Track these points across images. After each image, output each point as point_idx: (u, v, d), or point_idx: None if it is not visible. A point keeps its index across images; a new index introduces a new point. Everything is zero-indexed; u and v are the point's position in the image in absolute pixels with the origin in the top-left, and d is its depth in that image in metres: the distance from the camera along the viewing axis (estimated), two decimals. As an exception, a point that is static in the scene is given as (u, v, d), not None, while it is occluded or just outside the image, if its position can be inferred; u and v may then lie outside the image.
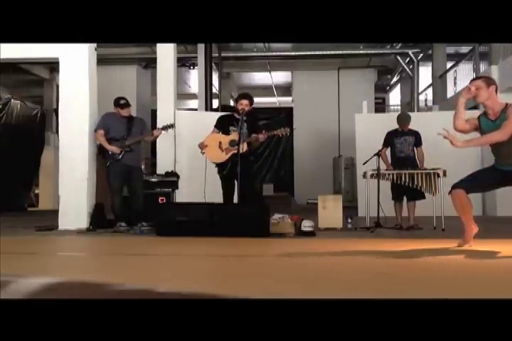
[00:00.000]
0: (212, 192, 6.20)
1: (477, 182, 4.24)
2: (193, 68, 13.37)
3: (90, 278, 0.72)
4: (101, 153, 6.54)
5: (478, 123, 4.22)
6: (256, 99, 6.44)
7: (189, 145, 7.61)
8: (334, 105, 14.96)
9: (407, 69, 13.53)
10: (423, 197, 6.37)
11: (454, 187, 4.22)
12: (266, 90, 17.92)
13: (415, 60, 13.20)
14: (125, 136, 6.41)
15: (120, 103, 6.49)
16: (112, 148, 6.33)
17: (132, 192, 6.54)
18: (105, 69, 11.12)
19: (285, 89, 17.97)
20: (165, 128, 6.61)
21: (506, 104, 4.10)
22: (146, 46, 12.82)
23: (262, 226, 5.35)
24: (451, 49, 13.61)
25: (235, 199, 5.90)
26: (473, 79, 4.35)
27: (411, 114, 7.16)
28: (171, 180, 7.26)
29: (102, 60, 8.57)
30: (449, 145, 4.18)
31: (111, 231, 6.09)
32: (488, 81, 4.20)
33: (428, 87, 14.14)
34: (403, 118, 6.55)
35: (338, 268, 3.38)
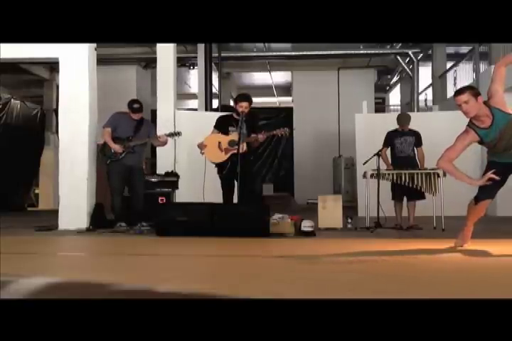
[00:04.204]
0: (212, 192, 6.19)
1: (494, 185, 4.21)
2: (193, 68, 13.36)
3: (90, 278, 0.72)
4: (101, 151, 6.52)
5: (477, 137, 4.07)
6: (256, 99, 6.44)
7: (189, 145, 7.60)
8: (334, 105, 14.94)
9: (407, 69, 13.52)
10: (423, 197, 6.37)
11: (483, 198, 4.20)
12: (266, 90, 17.90)
13: (415, 60, 13.19)
14: (130, 137, 6.40)
15: (133, 107, 6.47)
16: (115, 147, 6.32)
17: (133, 192, 6.53)
18: (105, 69, 11.11)
19: (285, 89, 17.96)
20: (171, 135, 6.57)
21: (488, 105, 4.00)
22: (146, 46, 12.81)
23: (262, 226, 5.34)
24: (451, 49, 13.59)
25: (235, 199, 5.90)
26: (458, 93, 4.05)
27: (411, 114, 7.16)
28: (171, 180, 7.25)
29: (102, 60, 8.56)
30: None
31: (111, 231, 6.09)
32: (475, 92, 4.02)
33: (428, 87, 14.13)
34: (403, 118, 6.55)
35: (337, 268, 3.37)
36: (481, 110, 3.97)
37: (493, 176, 4.00)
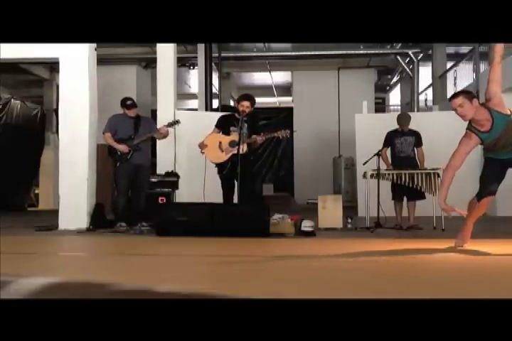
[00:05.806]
0: (212, 192, 6.19)
1: (495, 182, 4.22)
2: (193, 68, 13.36)
3: (90, 278, 0.72)
4: (110, 154, 6.50)
5: (479, 140, 4.06)
6: (256, 99, 6.43)
7: (189, 145, 7.61)
8: (334, 105, 14.94)
9: (407, 69, 13.52)
10: (423, 197, 6.37)
11: (485, 195, 4.20)
12: (266, 90, 17.89)
13: (415, 60, 13.19)
14: (132, 136, 6.41)
15: (127, 104, 6.50)
16: (121, 147, 6.31)
17: (137, 191, 6.51)
18: (105, 69, 11.10)
19: (285, 89, 17.95)
20: (170, 124, 6.59)
21: (487, 108, 4.00)
22: (146, 46, 12.81)
23: (262, 226, 5.34)
24: (451, 49, 13.59)
25: (235, 199, 5.90)
26: (453, 97, 4.08)
27: (411, 114, 7.16)
28: (171, 180, 7.24)
29: (102, 60, 8.55)
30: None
31: (111, 231, 6.09)
32: (469, 95, 4.03)
33: (428, 87, 14.13)
34: (403, 119, 6.55)
35: (338, 268, 3.37)
36: (480, 113, 3.96)
37: (462, 213, 4.15)
